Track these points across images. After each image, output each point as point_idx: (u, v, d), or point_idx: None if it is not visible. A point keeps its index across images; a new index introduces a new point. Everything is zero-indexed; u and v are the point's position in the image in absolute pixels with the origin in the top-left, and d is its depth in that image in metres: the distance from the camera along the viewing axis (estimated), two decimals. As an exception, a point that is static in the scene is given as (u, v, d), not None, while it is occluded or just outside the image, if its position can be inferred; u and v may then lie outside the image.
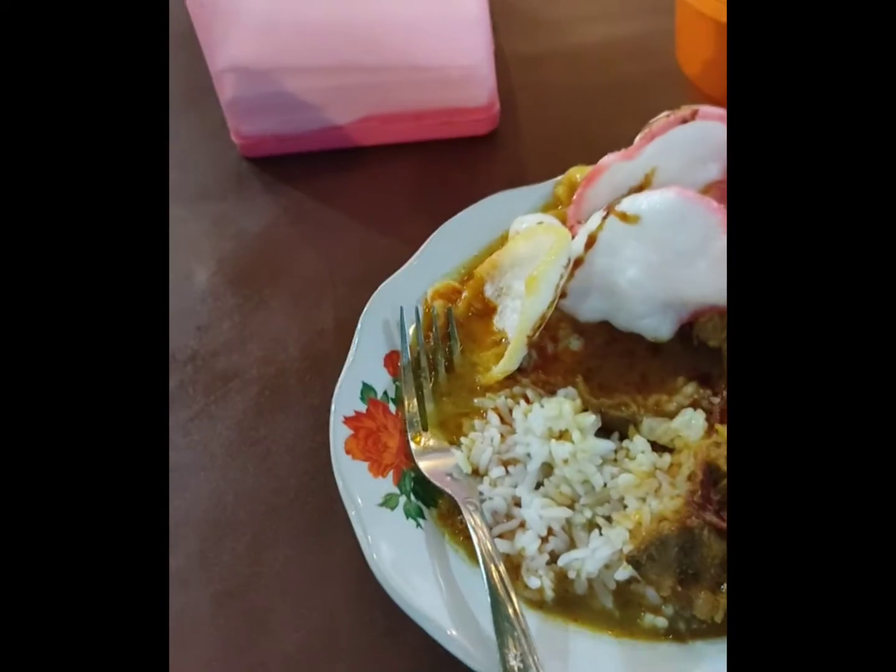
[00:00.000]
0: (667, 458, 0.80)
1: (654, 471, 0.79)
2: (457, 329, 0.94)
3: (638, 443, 0.81)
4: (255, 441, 0.98)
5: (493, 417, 0.86)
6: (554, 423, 0.82)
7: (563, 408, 0.82)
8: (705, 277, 0.84)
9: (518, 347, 0.87)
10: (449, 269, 1.00)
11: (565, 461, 0.79)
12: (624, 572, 0.76)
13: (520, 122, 1.32)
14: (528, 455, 0.82)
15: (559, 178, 1.06)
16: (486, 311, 0.96)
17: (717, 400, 0.84)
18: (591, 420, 0.82)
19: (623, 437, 0.84)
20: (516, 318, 0.89)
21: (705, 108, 0.94)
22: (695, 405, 0.84)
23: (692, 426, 0.81)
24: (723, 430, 0.80)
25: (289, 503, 0.93)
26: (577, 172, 1.04)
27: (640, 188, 0.96)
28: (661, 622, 0.75)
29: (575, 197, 0.97)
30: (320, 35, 1.16)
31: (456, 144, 1.27)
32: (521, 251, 0.92)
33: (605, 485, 0.79)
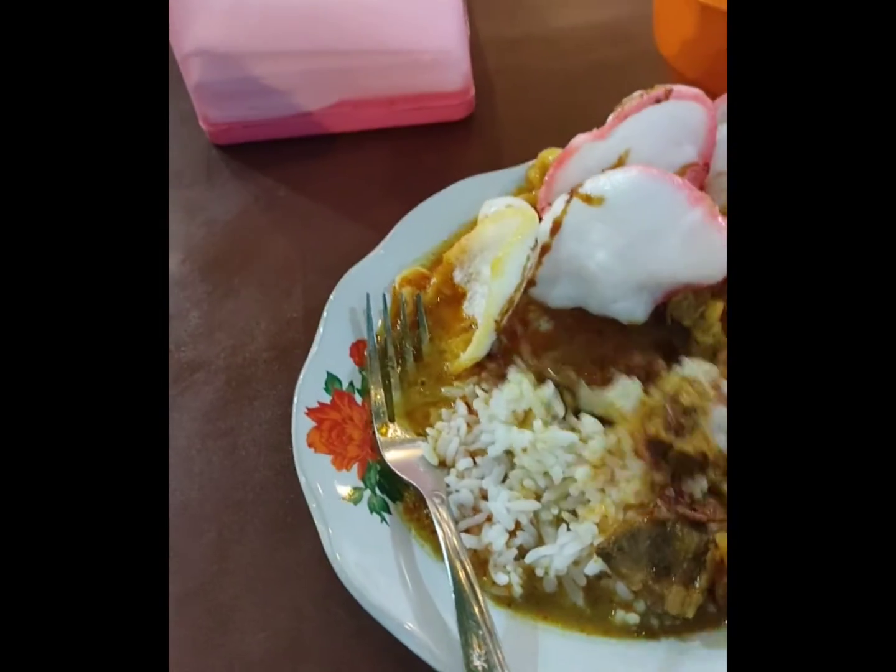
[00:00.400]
0: (612, 437, 0.78)
1: (606, 456, 0.77)
2: (425, 316, 0.92)
3: (587, 423, 0.79)
4: (222, 433, 0.96)
5: (461, 406, 0.84)
6: (516, 404, 0.79)
7: (521, 386, 0.79)
8: (675, 255, 0.81)
9: (486, 333, 0.85)
10: (418, 256, 0.98)
11: (524, 450, 0.77)
12: (594, 566, 0.74)
13: (496, 107, 1.30)
14: (493, 443, 0.80)
15: (532, 161, 1.03)
16: (456, 296, 0.93)
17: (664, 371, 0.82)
18: (550, 392, 0.80)
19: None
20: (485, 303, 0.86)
21: (679, 88, 0.91)
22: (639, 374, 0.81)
23: (628, 396, 0.79)
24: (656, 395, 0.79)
25: (255, 497, 0.90)
26: (550, 154, 1.02)
27: (615, 168, 0.94)
28: (633, 618, 0.73)
29: (546, 178, 0.94)
30: (289, 18, 1.13)
31: (431, 130, 1.24)
32: (489, 235, 0.89)
33: (565, 479, 0.77)
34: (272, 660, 0.79)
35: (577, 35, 1.38)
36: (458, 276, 0.94)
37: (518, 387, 0.80)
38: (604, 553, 0.72)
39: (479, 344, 0.85)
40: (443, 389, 0.87)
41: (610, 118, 0.93)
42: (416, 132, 1.24)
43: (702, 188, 0.95)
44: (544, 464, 0.76)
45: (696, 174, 0.95)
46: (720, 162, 0.95)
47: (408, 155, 1.22)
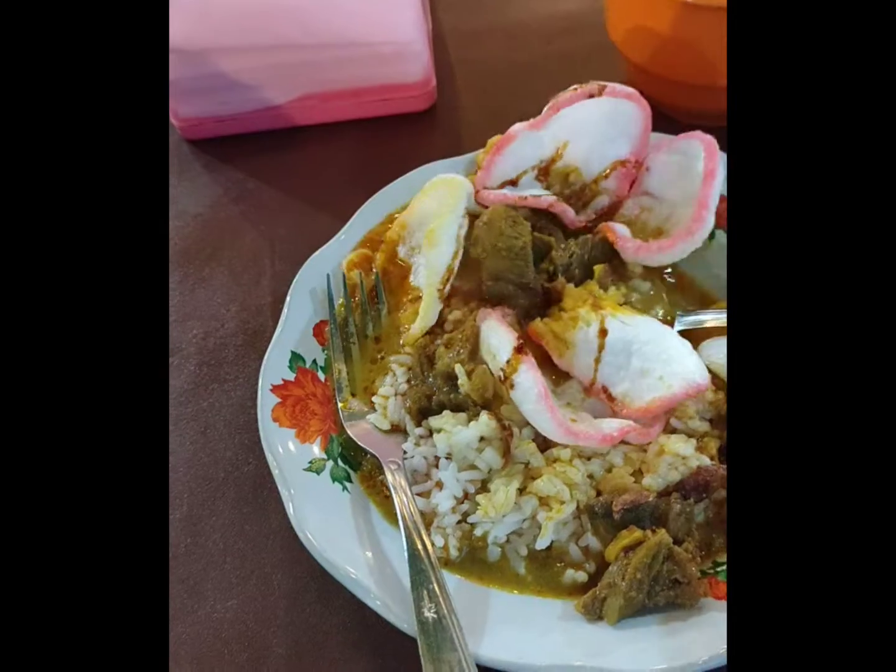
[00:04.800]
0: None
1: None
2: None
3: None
4: (193, 416, 0.99)
5: (399, 370, 0.88)
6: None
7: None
8: None
9: (430, 303, 0.88)
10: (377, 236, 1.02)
11: (448, 456, 0.82)
12: (543, 542, 0.78)
13: (459, 98, 1.33)
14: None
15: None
16: (402, 271, 0.97)
17: None
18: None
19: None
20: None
21: (613, 86, 0.96)
22: None
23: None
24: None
25: (226, 475, 0.94)
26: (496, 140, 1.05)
27: (551, 160, 0.99)
28: (581, 576, 0.77)
29: (484, 163, 0.98)
30: (254, 15, 1.16)
31: (394, 121, 1.28)
32: (425, 207, 0.93)
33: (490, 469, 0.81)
34: (242, 625, 0.83)
35: (536, 26, 1.42)
36: (402, 252, 0.97)
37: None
38: (591, 510, 0.77)
39: (426, 314, 0.89)
40: (391, 358, 0.91)
41: (545, 109, 0.97)
42: (380, 123, 1.28)
43: (632, 185, 1.01)
44: (469, 459, 0.81)
45: (628, 171, 1.00)
46: (652, 180, 1.00)
47: (373, 145, 1.26)
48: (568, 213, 0.97)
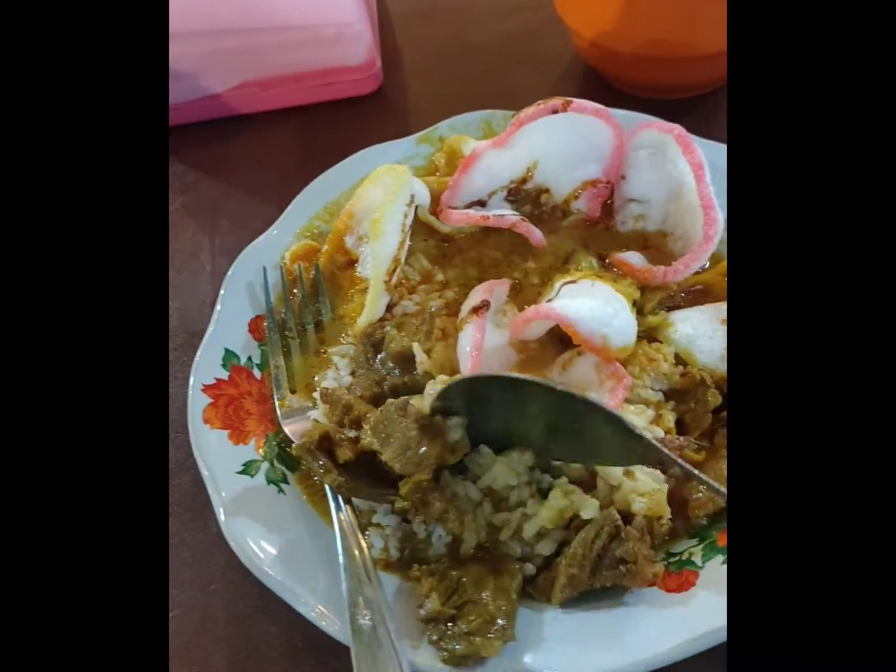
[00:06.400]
0: None
1: None
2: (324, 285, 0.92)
3: None
4: (131, 420, 0.95)
5: (342, 362, 0.84)
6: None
7: None
8: None
9: (377, 294, 0.85)
10: (314, 228, 0.98)
11: None
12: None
13: (406, 80, 1.29)
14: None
15: (426, 130, 1.04)
16: (350, 262, 0.93)
17: None
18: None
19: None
20: (373, 264, 0.86)
21: (579, 102, 0.92)
22: None
23: None
24: None
25: (165, 481, 0.90)
26: (460, 141, 1.01)
27: (522, 181, 0.96)
28: (529, 569, 0.73)
29: (451, 183, 0.95)
30: (187, -1, 1.12)
31: (339, 106, 1.24)
32: (371, 196, 0.89)
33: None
34: (183, 636, 0.79)
35: (485, 5, 1.38)
36: (349, 242, 0.93)
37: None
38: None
39: (373, 306, 0.85)
40: (331, 350, 0.87)
41: (509, 125, 0.94)
42: (324, 109, 1.23)
43: (604, 206, 0.98)
44: None
45: (598, 191, 0.97)
46: (632, 186, 0.96)
47: (317, 132, 1.22)
48: (534, 233, 0.94)
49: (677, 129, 0.90)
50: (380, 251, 0.82)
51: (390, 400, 0.73)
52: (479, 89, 1.24)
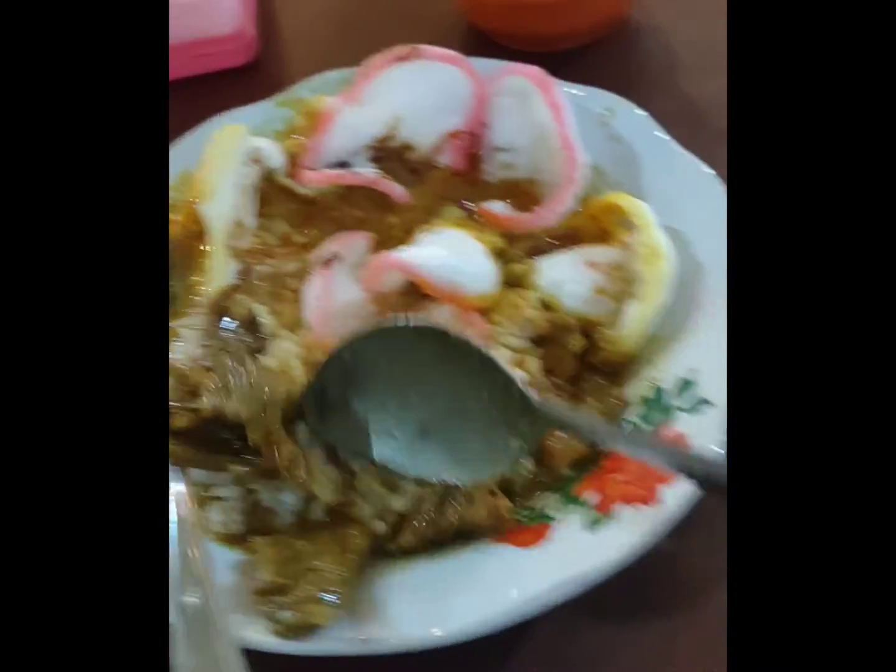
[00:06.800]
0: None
1: None
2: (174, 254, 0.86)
3: None
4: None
5: (189, 333, 0.80)
6: None
7: None
8: None
9: (219, 260, 0.80)
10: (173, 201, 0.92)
11: None
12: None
13: (284, 49, 1.24)
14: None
15: (284, 92, 0.99)
16: (201, 231, 0.88)
17: None
18: None
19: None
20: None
21: (427, 48, 0.88)
22: None
23: None
24: None
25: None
26: (320, 102, 0.96)
27: (384, 139, 0.91)
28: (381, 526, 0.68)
29: (308, 144, 0.90)
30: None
31: (212, 79, 1.18)
32: (210, 160, 0.84)
33: None
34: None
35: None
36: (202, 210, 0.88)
37: None
38: None
39: (216, 273, 0.81)
40: (176, 323, 0.81)
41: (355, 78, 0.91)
42: (194, 83, 1.17)
43: (471, 157, 0.93)
44: None
45: (462, 143, 0.93)
46: (497, 135, 0.91)
47: (189, 107, 1.14)
48: (395, 189, 0.90)
49: (535, 70, 0.86)
50: (212, 212, 0.78)
51: (226, 360, 0.69)
52: (368, 50, 1.20)
